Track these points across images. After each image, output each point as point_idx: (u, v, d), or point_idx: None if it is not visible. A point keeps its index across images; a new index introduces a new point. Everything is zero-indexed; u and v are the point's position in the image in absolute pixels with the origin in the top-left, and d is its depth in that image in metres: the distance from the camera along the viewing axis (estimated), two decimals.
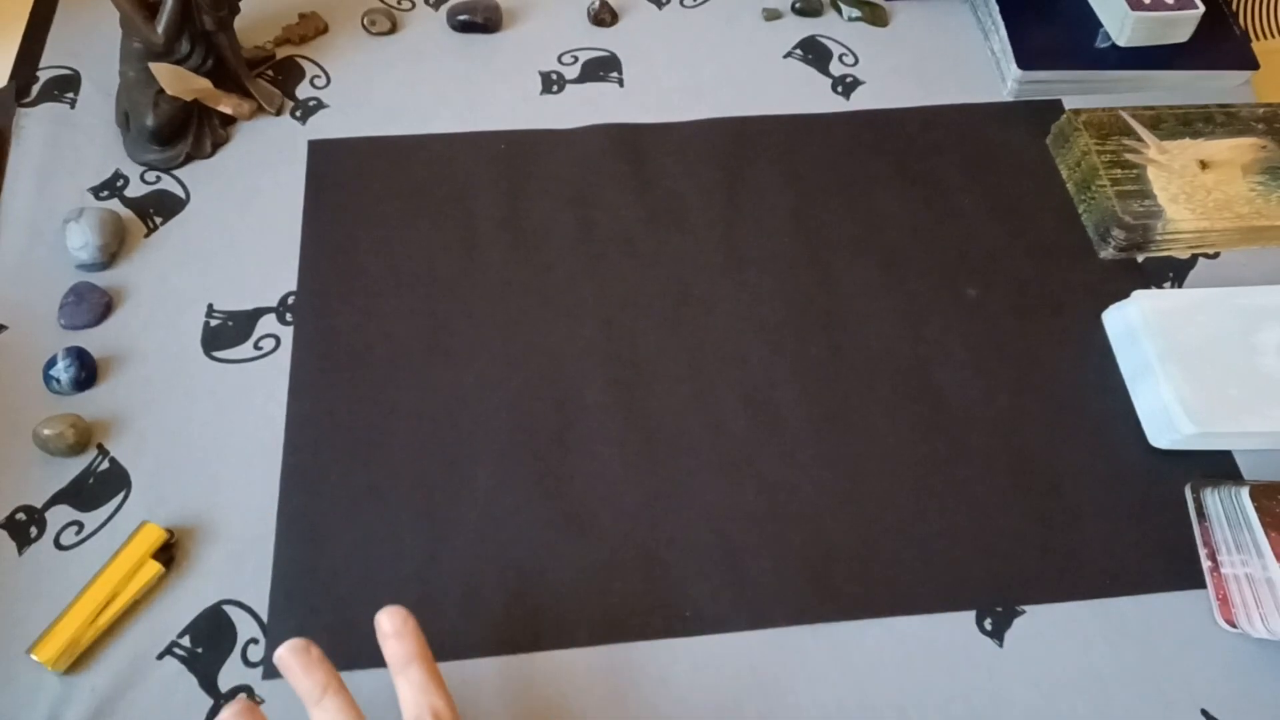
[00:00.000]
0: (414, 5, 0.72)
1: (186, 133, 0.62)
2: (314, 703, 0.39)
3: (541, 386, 0.55)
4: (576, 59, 0.70)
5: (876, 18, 0.73)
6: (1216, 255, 0.62)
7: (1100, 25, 0.70)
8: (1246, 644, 0.49)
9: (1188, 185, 0.62)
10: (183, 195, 0.62)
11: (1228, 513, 0.50)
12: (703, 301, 0.59)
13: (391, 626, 0.40)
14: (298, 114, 0.66)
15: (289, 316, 0.57)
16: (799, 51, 0.71)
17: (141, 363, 0.55)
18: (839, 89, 0.69)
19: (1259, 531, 0.48)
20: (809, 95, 0.69)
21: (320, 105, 0.66)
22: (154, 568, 0.47)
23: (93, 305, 0.56)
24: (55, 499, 0.50)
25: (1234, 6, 0.72)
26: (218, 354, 0.56)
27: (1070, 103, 0.68)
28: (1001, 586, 0.50)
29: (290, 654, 0.40)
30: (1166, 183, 0.62)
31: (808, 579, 0.50)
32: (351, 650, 0.47)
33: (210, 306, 0.57)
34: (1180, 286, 0.61)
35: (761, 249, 0.61)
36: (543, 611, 0.49)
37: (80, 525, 0.50)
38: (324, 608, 0.48)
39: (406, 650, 0.40)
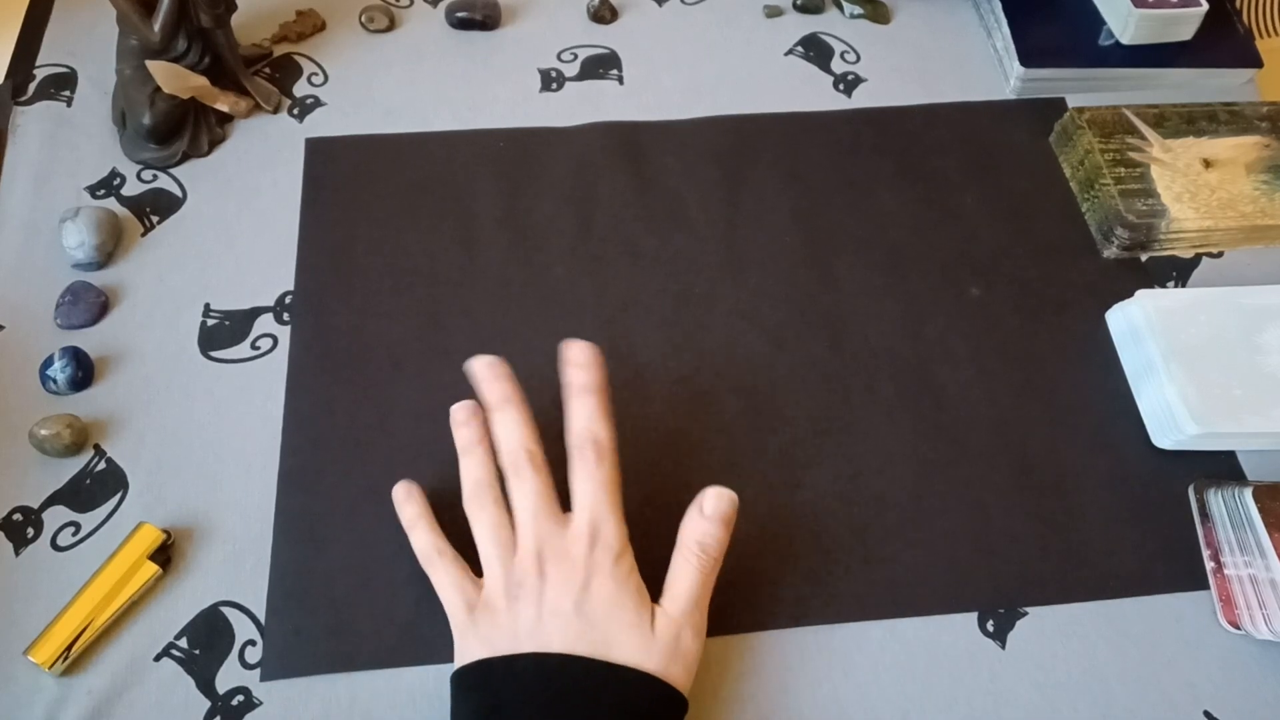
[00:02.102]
0: (412, 2, 0.72)
1: (183, 131, 0.62)
2: (496, 408, 0.46)
3: (540, 386, 0.55)
4: (576, 56, 0.70)
5: (878, 15, 0.73)
6: (1220, 254, 0.62)
7: (1104, 23, 0.69)
8: (1249, 645, 0.49)
9: (1191, 184, 0.61)
10: (180, 194, 0.61)
11: (1231, 514, 0.50)
12: (703, 301, 0.58)
13: (582, 357, 0.46)
14: (295, 112, 0.66)
15: (286, 316, 0.57)
16: (800, 49, 0.71)
17: (138, 363, 0.55)
18: (840, 87, 0.69)
19: (1262, 532, 0.48)
20: (810, 93, 0.68)
21: (318, 103, 0.66)
22: (151, 569, 0.47)
23: (89, 305, 0.56)
24: (52, 499, 0.50)
25: (1238, 4, 0.72)
26: (215, 354, 0.55)
27: (1073, 101, 0.68)
28: (1004, 588, 0.50)
29: (481, 365, 0.47)
30: (1170, 181, 0.61)
31: (808, 580, 0.50)
32: (350, 651, 0.47)
33: (207, 306, 0.57)
34: (1184, 286, 0.61)
35: (762, 248, 0.61)
36: None
37: (77, 526, 0.50)
38: (322, 609, 0.48)
39: (588, 380, 0.46)
